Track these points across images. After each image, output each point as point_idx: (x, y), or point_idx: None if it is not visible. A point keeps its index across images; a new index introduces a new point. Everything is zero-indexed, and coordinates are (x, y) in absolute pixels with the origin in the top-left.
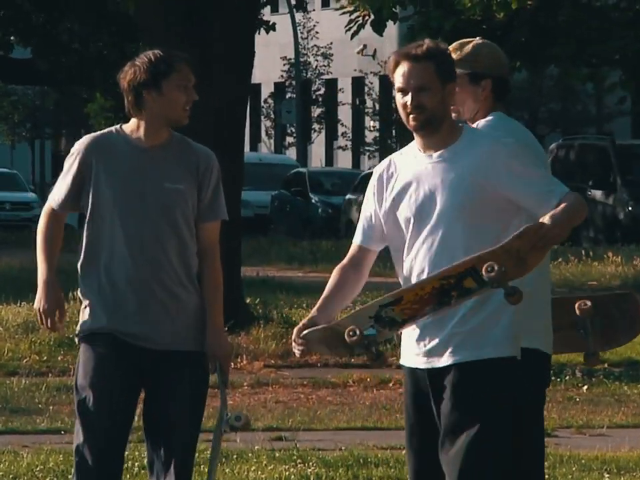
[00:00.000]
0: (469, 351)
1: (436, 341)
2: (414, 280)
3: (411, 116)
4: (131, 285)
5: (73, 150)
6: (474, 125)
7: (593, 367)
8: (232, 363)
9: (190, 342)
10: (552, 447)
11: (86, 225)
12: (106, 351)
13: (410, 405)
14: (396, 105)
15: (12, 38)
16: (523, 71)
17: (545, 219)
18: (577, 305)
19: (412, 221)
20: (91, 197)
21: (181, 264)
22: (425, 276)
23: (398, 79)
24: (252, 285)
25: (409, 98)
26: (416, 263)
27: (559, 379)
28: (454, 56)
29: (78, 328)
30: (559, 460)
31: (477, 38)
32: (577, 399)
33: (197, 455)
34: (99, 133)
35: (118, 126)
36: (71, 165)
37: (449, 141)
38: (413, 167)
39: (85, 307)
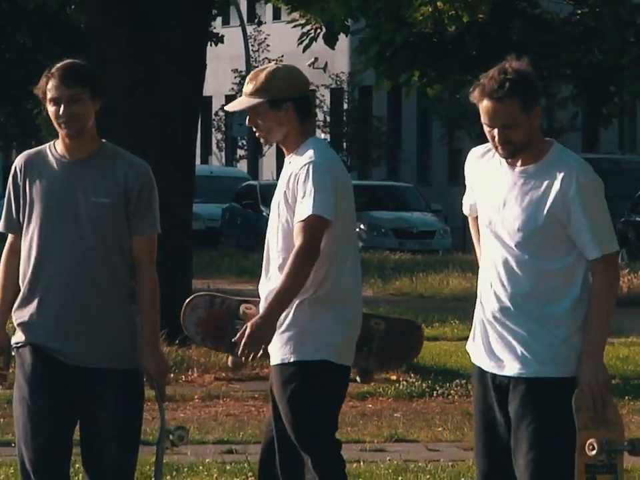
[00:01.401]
0: (548, 366)
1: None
2: (486, 282)
3: (499, 147)
4: (58, 299)
5: (12, 169)
6: (295, 152)
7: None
8: (182, 376)
9: (117, 360)
10: None
11: (22, 243)
12: (33, 365)
13: (479, 406)
14: (347, 118)
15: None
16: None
17: (582, 377)
18: (371, 323)
19: (487, 225)
20: (23, 214)
21: (111, 279)
22: (492, 282)
23: (483, 115)
24: None
25: (496, 133)
26: (484, 267)
27: None
28: (250, 86)
29: (12, 340)
30: None
31: (272, 63)
32: None
33: (142, 469)
34: (33, 149)
35: (53, 142)
36: (8, 184)
37: (536, 157)
38: (498, 172)
39: (16, 320)
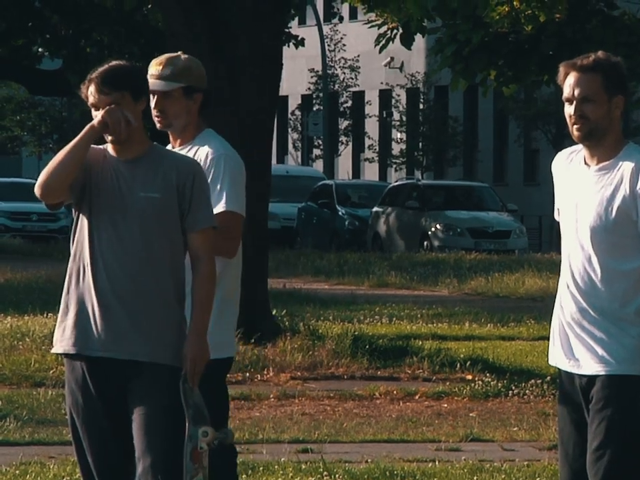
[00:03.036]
0: (625, 365)
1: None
2: (563, 284)
3: (575, 126)
4: (108, 296)
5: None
6: (191, 143)
7: None
8: (258, 376)
9: (161, 354)
10: None
11: (75, 233)
12: (81, 364)
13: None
14: (423, 118)
15: (39, 49)
16: (550, 85)
17: None
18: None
19: (565, 226)
20: (78, 209)
21: (159, 275)
22: (568, 283)
23: (565, 89)
24: (279, 297)
25: (572, 108)
26: (563, 269)
27: None
28: (167, 70)
29: (56, 347)
30: None
31: (180, 52)
32: None
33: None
34: (99, 146)
35: None
36: None
37: (609, 155)
38: (577, 172)
39: (63, 322)
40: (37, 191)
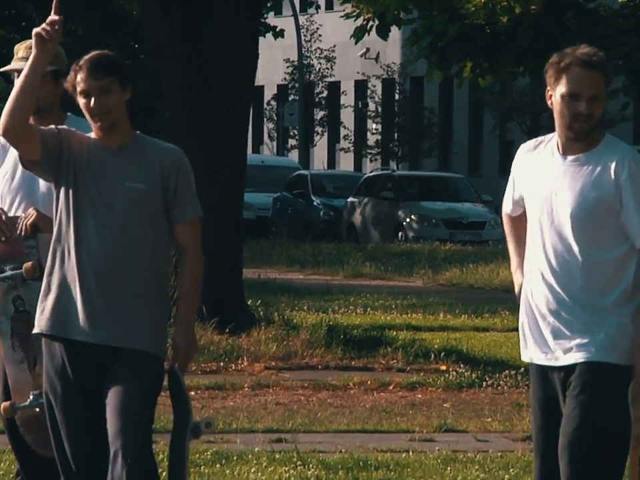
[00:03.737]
0: (603, 352)
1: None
2: (533, 272)
3: (578, 123)
4: (90, 283)
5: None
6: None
7: None
8: (232, 365)
9: (141, 342)
10: None
11: (55, 224)
12: (60, 351)
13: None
14: (399, 109)
15: (15, 37)
16: (526, 76)
17: (637, 367)
18: None
19: (539, 216)
20: (60, 197)
21: (142, 265)
22: (544, 273)
23: (570, 84)
24: (253, 286)
25: (582, 105)
26: (535, 260)
27: None
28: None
29: (36, 327)
30: None
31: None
32: None
33: (190, 457)
34: (85, 134)
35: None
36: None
37: (587, 146)
38: (549, 163)
39: (43, 302)
40: (1, 131)
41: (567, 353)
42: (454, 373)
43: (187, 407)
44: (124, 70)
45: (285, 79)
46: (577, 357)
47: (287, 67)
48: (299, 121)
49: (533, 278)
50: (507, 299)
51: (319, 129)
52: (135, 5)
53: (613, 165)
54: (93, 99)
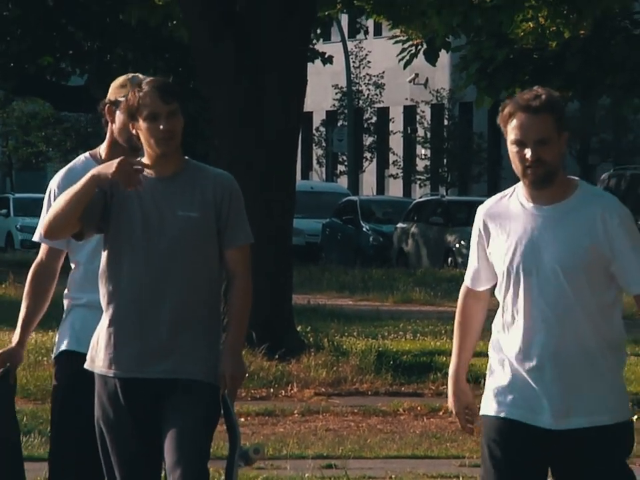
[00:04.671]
0: (617, 412)
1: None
2: (520, 332)
3: (530, 170)
4: (144, 316)
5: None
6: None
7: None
8: (282, 391)
9: (196, 372)
10: None
11: (103, 255)
12: (115, 386)
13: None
14: (448, 134)
15: (63, 65)
16: (575, 101)
17: None
18: None
19: (521, 272)
20: (107, 227)
21: (196, 292)
22: (532, 332)
23: (514, 131)
24: (303, 312)
25: (528, 152)
26: (525, 322)
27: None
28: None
29: (88, 361)
30: None
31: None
32: None
33: None
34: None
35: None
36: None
37: (563, 194)
38: (523, 214)
39: (97, 340)
40: (42, 232)
41: (576, 413)
42: None
43: (235, 433)
44: (181, 96)
45: (333, 105)
46: (592, 420)
47: (336, 93)
48: (348, 146)
49: (522, 335)
50: None
51: (367, 154)
52: (183, 31)
53: (600, 213)
54: (162, 123)
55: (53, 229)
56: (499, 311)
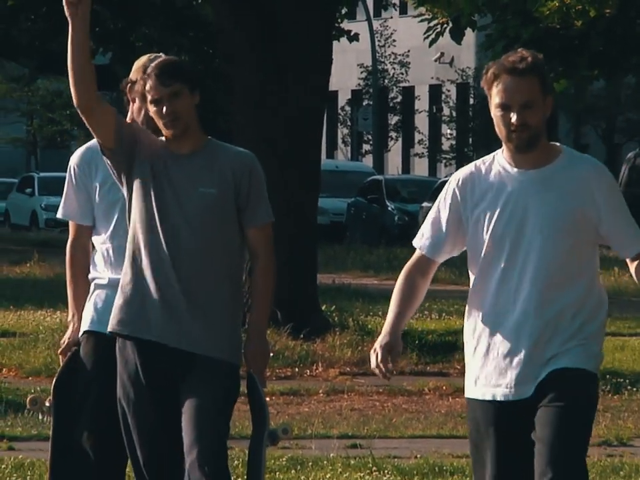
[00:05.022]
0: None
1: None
2: (506, 293)
3: (515, 134)
4: (165, 286)
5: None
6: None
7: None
8: (307, 371)
9: (216, 349)
10: (627, 457)
11: (129, 224)
12: (134, 356)
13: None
14: (473, 113)
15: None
16: (600, 80)
17: None
18: None
19: (506, 237)
20: (131, 204)
21: (217, 271)
22: (522, 293)
23: (499, 94)
24: (328, 292)
25: (514, 116)
26: (511, 280)
27: (635, 389)
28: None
29: (109, 326)
30: (635, 469)
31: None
32: None
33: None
34: (158, 138)
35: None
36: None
37: (547, 158)
38: (506, 178)
39: (117, 303)
40: (75, 104)
41: (542, 371)
42: None
43: (264, 413)
44: (191, 74)
45: (359, 84)
46: (561, 365)
47: (361, 72)
48: (373, 126)
49: (500, 303)
50: None
51: (393, 133)
52: (208, 9)
53: (587, 176)
54: (164, 106)
55: (76, 85)
56: (475, 282)
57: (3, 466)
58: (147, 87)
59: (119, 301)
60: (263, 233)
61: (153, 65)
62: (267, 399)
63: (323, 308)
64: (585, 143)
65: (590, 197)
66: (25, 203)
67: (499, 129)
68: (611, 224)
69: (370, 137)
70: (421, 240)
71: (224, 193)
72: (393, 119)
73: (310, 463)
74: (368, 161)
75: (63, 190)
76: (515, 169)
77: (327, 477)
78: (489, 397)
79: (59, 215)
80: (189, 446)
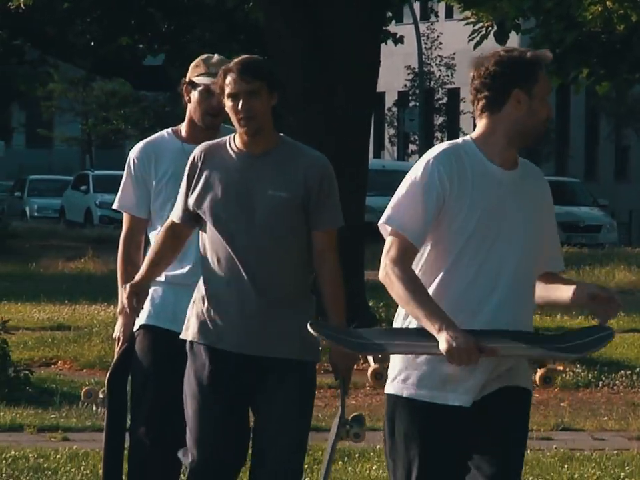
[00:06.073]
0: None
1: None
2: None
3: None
4: (236, 294)
5: (190, 158)
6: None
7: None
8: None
9: (290, 350)
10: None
11: (201, 234)
12: (206, 361)
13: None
14: None
15: (141, 46)
16: None
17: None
18: None
19: (482, 231)
20: (197, 205)
21: (287, 272)
22: (501, 281)
23: (543, 89)
24: (375, 288)
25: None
26: (475, 285)
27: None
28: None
29: (184, 332)
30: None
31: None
32: None
33: (314, 454)
34: (211, 142)
35: (232, 135)
36: (184, 176)
37: (515, 159)
38: (486, 174)
39: (191, 310)
40: None
41: (512, 377)
42: (571, 373)
43: (342, 408)
44: (272, 75)
45: (405, 85)
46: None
47: (408, 74)
48: (419, 126)
49: (467, 301)
50: (623, 301)
51: (438, 134)
52: (259, 12)
53: (543, 184)
54: (241, 101)
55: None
56: (441, 277)
57: (57, 456)
58: (227, 81)
59: (192, 307)
60: (328, 237)
61: (236, 60)
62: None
63: (370, 304)
64: (626, 145)
65: (547, 204)
66: (80, 200)
67: (534, 125)
68: (551, 235)
69: (416, 137)
70: (407, 227)
71: (294, 196)
72: (438, 120)
73: (357, 455)
74: (414, 161)
75: (117, 187)
76: (494, 166)
77: (374, 468)
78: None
79: (115, 205)
80: (267, 447)
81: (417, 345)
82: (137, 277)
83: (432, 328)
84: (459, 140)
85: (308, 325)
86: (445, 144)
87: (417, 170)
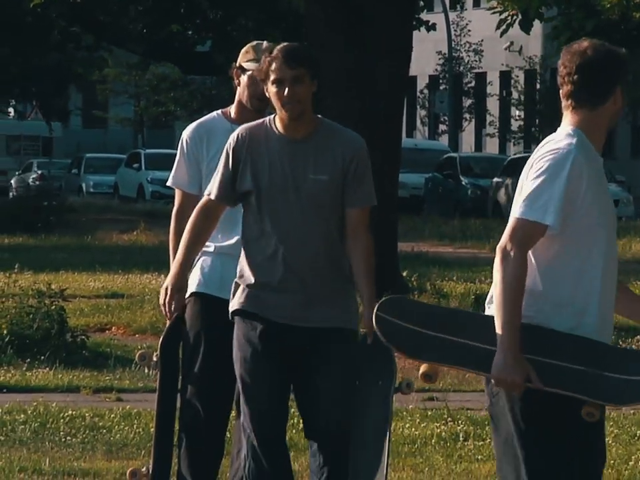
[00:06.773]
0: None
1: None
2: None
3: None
4: (286, 267)
5: (229, 140)
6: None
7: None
8: None
9: (334, 319)
10: None
11: (244, 216)
12: (255, 332)
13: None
14: (540, 97)
15: (189, 33)
16: None
17: None
18: None
19: (607, 224)
20: (241, 187)
21: (328, 253)
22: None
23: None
24: (407, 259)
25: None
26: (611, 268)
27: None
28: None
29: (231, 305)
30: None
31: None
32: None
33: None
34: (252, 124)
35: (273, 116)
36: (226, 153)
37: None
38: (599, 168)
39: (237, 287)
40: None
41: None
42: None
43: (391, 367)
44: (315, 62)
45: (436, 69)
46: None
47: (438, 59)
48: (449, 108)
49: (609, 281)
50: (638, 270)
51: (467, 115)
52: (300, 1)
53: None
54: (286, 88)
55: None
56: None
57: (112, 415)
58: (272, 67)
59: (240, 280)
60: (363, 214)
61: (279, 47)
62: None
63: (403, 274)
64: None
65: None
66: (133, 177)
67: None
68: None
69: (446, 118)
70: (555, 212)
71: (334, 178)
72: (467, 102)
73: None
74: (444, 140)
75: (167, 165)
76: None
77: (407, 426)
78: None
79: (169, 183)
80: (317, 413)
81: (470, 363)
82: (175, 269)
83: (503, 337)
84: (569, 130)
85: (373, 316)
86: (570, 136)
87: (557, 161)
